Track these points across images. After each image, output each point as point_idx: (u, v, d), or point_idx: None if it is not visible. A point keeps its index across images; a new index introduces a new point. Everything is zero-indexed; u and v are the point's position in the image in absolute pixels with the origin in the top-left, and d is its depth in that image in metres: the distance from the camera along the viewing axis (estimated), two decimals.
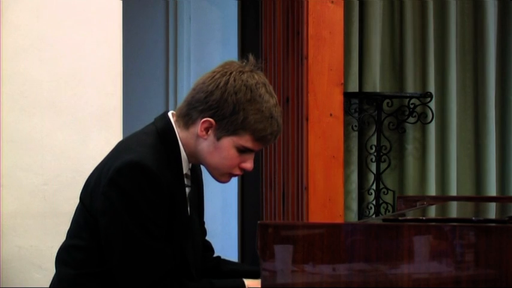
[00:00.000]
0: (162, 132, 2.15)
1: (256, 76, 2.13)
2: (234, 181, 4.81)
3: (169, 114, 2.19)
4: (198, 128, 2.12)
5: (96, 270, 2.11)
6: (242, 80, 2.10)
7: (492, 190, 4.48)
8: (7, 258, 3.08)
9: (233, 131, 2.10)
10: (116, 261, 2.05)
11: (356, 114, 4.39)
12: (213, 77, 2.12)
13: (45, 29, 3.14)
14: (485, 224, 1.66)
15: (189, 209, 2.21)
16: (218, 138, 2.11)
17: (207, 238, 2.41)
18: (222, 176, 2.18)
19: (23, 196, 3.10)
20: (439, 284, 1.55)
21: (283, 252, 1.62)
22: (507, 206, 2.30)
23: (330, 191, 3.94)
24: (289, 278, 1.61)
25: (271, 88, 2.15)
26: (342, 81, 4.01)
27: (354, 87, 4.35)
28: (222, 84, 2.10)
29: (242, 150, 2.12)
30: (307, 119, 3.94)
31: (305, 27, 3.95)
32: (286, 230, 1.63)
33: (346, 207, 4.27)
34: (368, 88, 4.38)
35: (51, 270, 2.27)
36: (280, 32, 4.24)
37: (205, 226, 2.41)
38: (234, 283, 2.21)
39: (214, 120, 2.10)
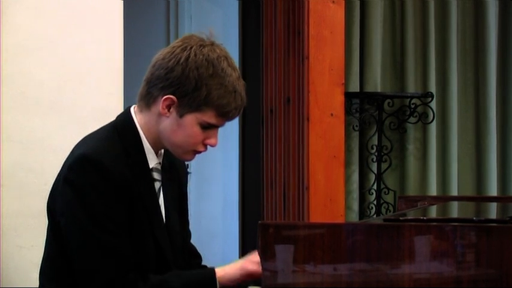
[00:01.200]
0: (121, 125, 2.09)
1: (217, 49, 2.05)
2: (235, 181, 4.81)
3: (132, 107, 2.12)
4: (160, 105, 2.03)
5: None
6: (203, 55, 2.02)
7: (493, 190, 4.48)
8: (7, 257, 3.08)
9: (196, 108, 2.01)
10: (75, 259, 1.99)
11: (357, 114, 4.39)
12: (173, 52, 2.03)
13: (46, 29, 3.14)
14: (486, 224, 1.66)
15: (162, 205, 2.13)
16: (181, 116, 2.02)
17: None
18: (185, 154, 2.09)
19: (24, 196, 3.10)
20: (440, 284, 1.55)
21: (284, 252, 1.61)
22: (508, 206, 2.29)
23: (330, 191, 3.94)
24: (290, 278, 1.61)
25: (233, 61, 2.07)
26: (343, 81, 4.01)
27: (354, 87, 4.35)
28: (182, 59, 2.01)
29: (206, 127, 2.04)
30: (308, 119, 3.94)
31: (306, 27, 3.95)
32: (287, 230, 1.63)
33: (347, 207, 4.26)
34: (369, 88, 4.38)
35: None
36: (281, 32, 4.24)
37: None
38: (204, 272, 2.12)
39: (176, 97, 2.01)
